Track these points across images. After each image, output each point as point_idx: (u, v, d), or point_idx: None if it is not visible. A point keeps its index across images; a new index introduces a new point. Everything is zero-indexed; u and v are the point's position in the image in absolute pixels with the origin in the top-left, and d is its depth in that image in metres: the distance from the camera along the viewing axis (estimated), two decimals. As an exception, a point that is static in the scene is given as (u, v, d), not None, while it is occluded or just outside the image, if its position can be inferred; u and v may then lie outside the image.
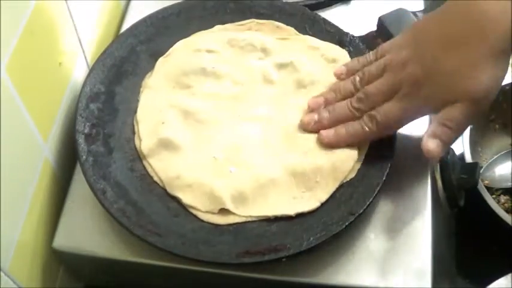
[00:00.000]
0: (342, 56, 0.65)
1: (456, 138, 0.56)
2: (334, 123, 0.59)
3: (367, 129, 0.57)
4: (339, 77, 0.61)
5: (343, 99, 0.59)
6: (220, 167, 0.58)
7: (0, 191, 0.49)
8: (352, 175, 0.58)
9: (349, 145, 0.58)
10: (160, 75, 0.64)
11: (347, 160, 0.58)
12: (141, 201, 0.57)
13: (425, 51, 0.55)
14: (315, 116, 0.59)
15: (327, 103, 0.60)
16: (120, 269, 0.59)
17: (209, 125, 0.61)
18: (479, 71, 0.53)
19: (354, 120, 0.58)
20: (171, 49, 0.66)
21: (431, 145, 0.54)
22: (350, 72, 0.61)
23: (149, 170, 0.59)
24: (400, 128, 0.58)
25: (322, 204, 0.57)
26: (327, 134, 0.58)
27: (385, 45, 0.59)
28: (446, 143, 0.55)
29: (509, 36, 0.52)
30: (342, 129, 0.58)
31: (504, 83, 0.76)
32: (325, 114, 0.59)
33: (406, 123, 0.57)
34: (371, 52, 0.60)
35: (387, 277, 0.55)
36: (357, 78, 0.59)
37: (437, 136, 0.54)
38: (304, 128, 0.60)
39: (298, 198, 0.57)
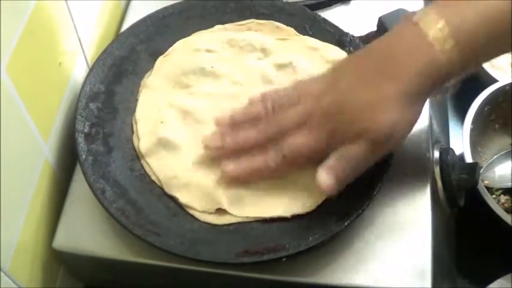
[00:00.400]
0: (341, 56, 0.65)
1: (353, 176, 0.53)
2: (238, 151, 0.56)
3: (273, 164, 0.55)
4: (252, 101, 0.58)
5: (251, 121, 0.57)
6: (217, 167, 0.58)
7: (0, 191, 0.49)
8: None
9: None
10: (160, 75, 0.65)
11: None
12: (141, 200, 0.57)
13: (339, 85, 0.54)
14: (218, 142, 0.57)
15: (234, 123, 0.57)
16: (120, 269, 0.59)
17: (208, 125, 0.61)
18: (384, 112, 0.51)
19: (259, 149, 0.55)
20: (170, 49, 0.66)
21: (324, 179, 0.52)
22: (264, 97, 0.58)
23: (147, 169, 0.59)
24: (309, 163, 0.55)
25: (322, 204, 0.57)
26: (229, 167, 0.55)
27: (305, 81, 0.58)
28: (342, 179, 0.53)
29: (419, 81, 0.51)
30: (245, 164, 0.55)
31: (504, 83, 0.77)
32: (229, 140, 0.56)
33: (316, 158, 0.54)
34: (288, 86, 0.58)
35: (387, 277, 0.55)
36: (269, 104, 0.56)
37: (332, 170, 0.52)
38: (203, 146, 0.57)
39: (294, 200, 0.57)
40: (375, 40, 0.55)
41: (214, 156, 0.57)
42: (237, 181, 0.56)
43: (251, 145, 0.56)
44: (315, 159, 0.54)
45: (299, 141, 0.54)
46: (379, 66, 0.53)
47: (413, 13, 0.52)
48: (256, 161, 0.55)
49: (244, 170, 0.56)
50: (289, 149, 0.54)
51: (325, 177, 0.52)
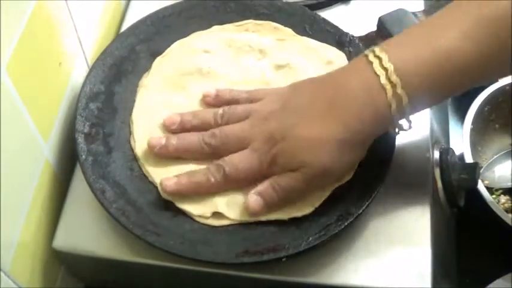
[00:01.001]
0: (338, 57, 0.65)
1: (283, 203, 0.55)
2: (180, 153, 0.57)
3: (212, 180, 0.55)
4: (205, 98, 0.60)
5: (198, 126, 0.58)
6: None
7: (1, 191, 0.49)
8: (348, 178, 0.58)
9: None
10: (157, 75, 0.64)
11: None
12: (141, 200, 0.57)
13: (289, 112, 0.55)
14: (162, 140, 0.57)
15: (182, 125, 0.58)
16: (120, 269, 0.59)
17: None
18: (322, 152, 0.53)
19: (201, 155, 0.57)
20: (168, 49, 0.66)
21: (252, 201, 0.54)
22: (218, 100, 0.60)
23: (144, 170, 0.59)
24: (249, 182, 0.55)
25: (322, 205, 0.56)
26: (168, 182, 0.55)
27: (263, 91, 0.59)
28: (269, 206, 0.54)
29: (363, 127, 0.52)
30: (184, 179, 0.55)
31: (504, 83, 0.77)
32: (173, 141, 0.57)
33: (255, 178, 0.55)
34: (248, 90, 0.60)
35: (387, 277, 0.55)
36: (220, 112, 0.57)
37: (262, 195, 0.54)
38: (150, 149, 0.58)
39: (291, 203, 0.57)
40: (333, 71, 0.56)
41: (157, 155, 0.58)
42: (178, 195, 0.56)
43: (193, 149, 0.57)
44: (256, 180, 0.55)
45: (240, 161, 0.55)
46: (328, 103, 0.53)
47: (370, 50, 0.53)
48: (196, 176, 0.56)
49: (184, 185, 0.56)
50: (230, 167, 0.55)
51: (254, 201, 0.54)
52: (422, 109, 0.55)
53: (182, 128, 0.59)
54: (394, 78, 0.50)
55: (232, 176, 0.55)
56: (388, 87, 0.50)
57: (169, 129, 0.59)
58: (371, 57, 0.52)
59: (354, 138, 0.53)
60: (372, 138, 0.55)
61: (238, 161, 0.55)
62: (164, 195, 0.56)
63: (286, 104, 0.56)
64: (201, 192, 0.56)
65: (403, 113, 0.52)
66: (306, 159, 0.53)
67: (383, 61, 0.51)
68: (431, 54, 0.50)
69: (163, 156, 0.58)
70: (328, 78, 0.56)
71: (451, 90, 0.53)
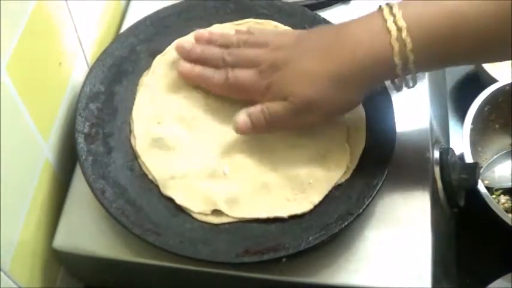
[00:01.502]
0: None
1: (267, 130, 0.58)
2: (198, 60, 0.62)
3: (215, 79, 0.60)
4: (237, 32, 0.64)
5: (224, 45, 0.62)
6: (214, 167, 0.58)
7: (1, 191, 0.49)
8: (347, 176, 0.58)
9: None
10: (157, 74, 0.64)
11: (340, 162, 0.58)
12: (140, 200, 0.57)
13: (297, 46, 0.58)
14: (189, 45, 0.63)
15: (209, 40, 0.63)
16: (120, 269, 0.59)
17: (204, 125, 0.61)
18: (312, 86, 0.55)
19: (216, 67, 0.61)
20: (168, 47, 0.66)
21: (241, 119, 0.57)
22: (248, 32, 0.63)
23: (144, 168, 0.59)
24: (241, 98, 0.60)
25: (322, 204, 0.57)
26: (184, 65, 0.62)
27: (287, 30, 0.65)
28: (255, 127, 0.57)
29: (361, 67, 0.53)
30: (197, 68, 0.61)
31: (504, 83, 0.77)
32: (198, 50, 0.62)
33: (250, 98, 0.58)
34: (276, 30, 0.65)
35: (387, 277, 0.55)
36: (244, 38, 0.61)
37: (250, 116, 0.57)
38: (175, 48, 0.63)
39: (291, 200, 0.57)
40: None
41: (181, 55, 0.63)
42: (186, 79, 0.63)
43: (211, 60, 0.61)
44: (249, 99, 0.58)
45: (242, 75, 0.59)
46: (331, 42, 0.56)
47: (386, 3, 0.54)
48: (206, 71, 0.61)
49: (195, 72, 0.62)
50: (234, 75, 0.59)
51: (243, 118, 0.57)
52: (425, 68, 0.55)
53: (209, 43, 0.63)
54: (401, 22, 0.51)
55: (231, 82, 0.59)
56: (394, 30, 0.51)
57: (198, 41, 0.63)
58: (383, 5, 0.54)
59: (347, 76, 0.54)
60: (370, 83, 0.56)
61: (240, 74, 0.59)
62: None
63: (299, 41, 0.58)
64: (203, 84, 0.62)
65: (406, 63, 0.52)
66: (295, 89, 0.56)
67: (393, 8, 0.52)
68: (440, 7, 0.51)
69: (185, 59, 0.62)
70: (340, 23, 0.58)
71: (455, 50, 0.53)
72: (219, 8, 0.70)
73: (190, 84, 0.63)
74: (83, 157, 0.58)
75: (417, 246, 0.57)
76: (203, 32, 0.64)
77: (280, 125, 0.58)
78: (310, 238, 0.53)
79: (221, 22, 0.69)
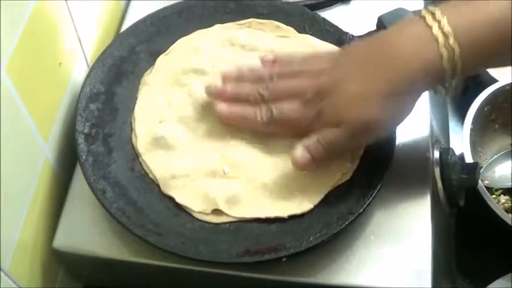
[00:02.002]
0: None
1: (328, 158, 0.55)
2: (234, 98, 0.59)
3: (259, 118, 0.57)
4: (264, 62, 0.61)
5: (255, 80, 0.59)
6: (214, 167, 0.58)
7: (1, 191, 0.49)
8: (348, 177, 0.58)
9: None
10: (160, 73, 0.65)
11: (340, 163, 0.58)
12: (141, 201, 0.57)
13: (339, 68, 0.55)
14: (217, 86, 0.60)
15: (239, 78, 0.60)
16: (120, 269, 0.59)
17: (206, 125, 0.61)
18: (369, 106, 0.53)
19: (253, 105, 0.58)
20: (171, 47, 0.66)
21: (299, 155, 0.55)
22: (276, 62, 0.60)
23: (145, 167, 0.59)
24: (291, 133, 0.57)
25: (322, 204, 0.57)
26: (222, 106, 0.59)
27: (316, 54, 0.60)
28: (315, 160, 0.55)
29: (414, 79, 0.52)
30: (236, 108, 0.58)
31: (504, 83, 0.77)
32: (230, 88, 0.59)
33: (299, 129, 0.56)
34: (302, 54, 0.60)
35: (387, 277, 0.55)
36: (276, 70, 0.59)
37: (308, 149, 0.55)
38: (205, 92, 0.60)
39: (291, 201, 0.57)
40: (382, 30, 0.57)
41: (212, 96, 0.60)
42: (226, 121, 0.59)
43: (247, 96, 0.58)
44: (298, 132, 0.56)
45: (288, 109, 0.56)
46: (378, 57, 0.54)
47: (419, 11, 0.53)
48: (247, 110, 0.58)
49: (235, 113, 0.58)
50: (279, 109, 0.56)
51: (301, 153, 0.55)
52: (472, 71, 0.54)
53: (240, 78, 0.60)
54: (447, 29, 0.50)
55: (277, 119, 0.56)
56: (440, 37, 0.50)
57: (228, 79, 0.60)
58: (423, 12, 0.52)
59: (397, 93, 0.52)
60: (420, 92, 0.54)
61: (286, 108, 0.56)
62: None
63: (338, 62, 0.56)
64: (246, 124, 0.59)
65: (455, 68, 0.51)
66: (350, 113, 0.53)
67: (436, 14, 0.51)
68: (484, 12, 0.51)
69: (217, 98, 0.59)
70: (380, 35, 0.56)
71: (501, 53, 0.52)
72: (219, 8, 0.70)
73: (231, 124, 0.60)
74: (83, 157, 0.58)
75: (417, 246, 0.57)
76: (231, 70, 0.60)
77: (339, 151, 0.56)
78: (311, 238, 0.53)
79: (221, 21, 0.69)
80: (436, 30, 0.50)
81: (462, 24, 0.51)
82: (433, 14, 0.51)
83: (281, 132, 0.58)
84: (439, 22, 0.51)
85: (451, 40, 0.50)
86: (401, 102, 0.53)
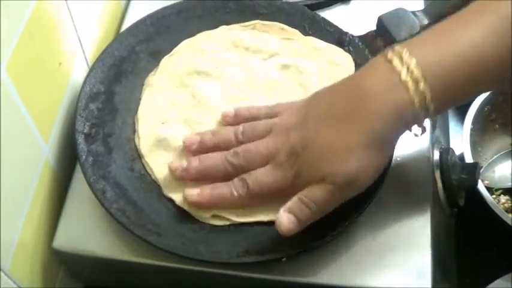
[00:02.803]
0: (344, 58, 0.65)
1: (314, 217, 0.52)
2: (202, 175, 0.56)
3: (235, 194, 0.54)
4: (224, 118, 0.59)
5: (219, 145, 0.57)
6: None
7: (1, 191, 0.49)
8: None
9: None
10: (164, 74, 0.65)
11: None
12: (141, 201, 0.57)
13: (310, 123, 0.53)
14: (184, 164, 0.56)
15: (202, 144, 0.57)
16: (120, 269, 0.59)
17: (209, 128, 0.61)
18: (348, 160, 0.50)
19: (224, 176, 0.55)
20: (175, 48, 0.66)
21: (284, 220, 0.51)
22: (237, 119, 0.58)
23: (147, 168, 0.59)
24: (267, 201, 0.55)
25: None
26: (191, 192, 0.55)
27: (282, 105, 0.58)
28: (302, 221, 0.52)
29: (387, 126, 0.50)
30: (208, 190, 0.55)
31: (504, 83, 0.77)
32: (195, 163, 0.56)
33: (279, 192, 0.54)
34: (267, 106, 0.58)
35: (387, 277, 0.55)
36: (240, 130, 0.56)
37: (293, 212, 0.51)
38: (171, 173, 0.57)
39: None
40: (351, 74, 0.55)
41: (178, 178, 0.57)
42: (201, 206, 0.55)
43: (216, 170, 0.56)
44: (279, 194, 0.53)
45: (264, 177, 0.54)
46: (348, 107, 0.51)
47: (389, 48, 0.51)
48: (220, 188, 0.55)
49: (207, 196, 0.55)
50: (254, 182, 0.54)
51: (286, 219, 0.51)
52: (445, 109, 0.52)
53: (202, 148, 0.57)
54: (416, 73, 0.48)
55: (255, 191, 0.54)
56: (410, 82, 0.48)
57: (190, 149, 0.57)
58: (390, 54, 0.50)
59: (376, 141, 0.51)
60: (396, 138, 0.52)
61: (262, 176, 0.54)
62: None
63: (306, 115, 0.54)
64: (223, 205, 0.55)
65: (427, 111, 0.49)
66: (329, 169, 0.51)
67: (403, 57, 0.49)
68: (454, 49, 0.49)
69: (185, 179, 0.56)
70: (346, 82, 0.54)
71: (473, 88, 0.51)
72: (219, 8, 0.70)
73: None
74: (83, 157, 0.58)
75: (417, 246, 0.57)
76: (191, 137, 0.58)
77: (327, 209, 0.52)
78: (311, 238, 0.53)
79: (221, 22, 0.69)
80: (404, 76, 0.48)
81: (431, 66, 0.49)
82: (400, 57, 0.49)
83: (261, 203, 0.55)
84: (407, 67, 0.48)
85: (421, 86, 0.48)
86: (381, 149, 0.52)
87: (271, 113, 0.57)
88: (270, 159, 0.54)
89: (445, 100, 0.50)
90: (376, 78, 0.51)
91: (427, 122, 0.53)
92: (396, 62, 0.49)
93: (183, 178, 0.57)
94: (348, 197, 0.53)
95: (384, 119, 0.50)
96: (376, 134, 0.50)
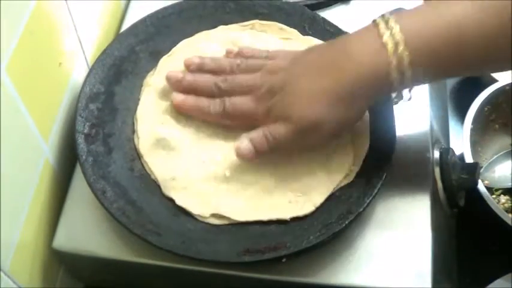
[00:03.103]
0: None
1: (269, 153, 0.56)
2: (191, 89, 0.61)
3: (212, 110, 0.59)
4: (227, 55, 0.63)
5: (214, 70, 0.61)
6: (215, 170, 0.58)
7: (1, 191, 0.49)
8: (350, 179, 0.58)
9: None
10: (163, 74, 0.64)
11: (342, 165, 0.58)
12: (141, 200, 0.57)
13: (295, 69, 0.57)
14: (180, 75, 0.61)
15: (200, 65, 0.62)
16: (120, 269, 0.59)
17: (208, 127, 0.61)
18: (314, 105, 0.54)
19: (209, 95, 0.60)
20: (174, 48, 0.67)
21: (243, 146, 0.56)
22: (238, 54, 0.62)
23: (146, 168, 0.59)
24: (240, 124, 0.59)
25: (322, 204, 0.57)
26: (177, 96, 0.60)
27: (282, 51, 0.62)
28: (258, 152, 0.56)
29: (361, 83, 0.52)
30: (191, 98, 0.60)
31: (504, 83, 0.77)
32: (189, 78, 0.61)
33: (250, 124, 0.57)
34: (268, 50, 0.62)
35: (387, 277, 0.55)
36: (237, 62, 0.61)
37: (253, 141, 0.56)
38: (167, 81, 0.62)
39: (293, 203, 0.57)
40: (344, 35, 0.58)
41: (172, 87, 0.62)
42: (179, 110, 0.61)
43: (204, 88, 0.60)
44: (249, 126, 0.57)
45: (240, 103, 0.58)
46: (332, 62, 0.54)
47: (381, 15, 0.53)
48: (201, 102, 0.60)
49: (189, 104, 0.60)
50: (231, 103, 0.58)
51: (246, 146, 0.56)
52: (423, 81, 0.54)
53: (199, 69, 0.62)
54: (397, 36, 0.50)
55: (229, 112, 0.58)
56: (390, 45, 0.50)
57: (188, 68, 0.62)
58: (378, 20, 0.53)
59: (348, 95, 0.53)
60: (369, 99, 0.55)
61: (238, 102, 0.58)
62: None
63: (295, 62, 0.57)
64: (199, 116, 0.60)
65: (404, 77, 0.51)
66: (297, 110, 0.54)
67: (389, 23, 0.51)
68: (439, 20, 0.51)
69: (177, 90, 0.61)
70: (337, 41, 0.57)
71: (454, 65, 0.52)
72: (219, 8, 0.70)
73: (185, 115, 0.62)
74: (83, 157, 0.58)
75: (417, 246, 0.57)
76: (192, 58, 0.62)
77: (284, 147, 0.56)
78: (311, 237, 0.53)
79: (221, 22, 0.69)
80: (386, 37, 0.51)
81: (413, 32, 0.51)
82: (386, 22, 0.52)
83: (233, 125, 0.59)
84: (391, 30, 0.51)
85: (401, 48, 0.50)
86: (347, 105, 0.54)
87: (270, 56, 0.61)
88: (252, 92, 0.58)
89: (423, 69, 0.52)
90: (361, 40, 0.54)
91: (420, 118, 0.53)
92: (382, 26, 0.52)
93: (176, 88, 0.61)
94: (307, 143, 0.56)
95: (360, 76, 0.52)
96: (346, 87, 0.53)
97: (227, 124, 0.60)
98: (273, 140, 0.55)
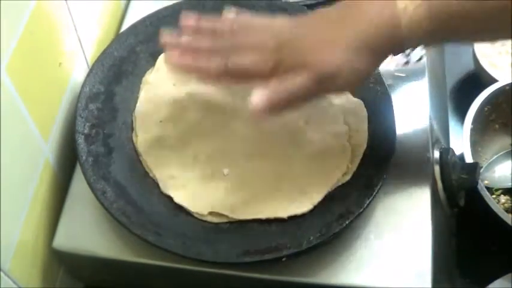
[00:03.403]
0: None
1: (286, 105, 0.52)
2: (190, 47, 0.56)
3: (212, 68, 0.53)
4: (226, 18, 0.58)
5: (214, 32, 0.56)
6: (214, 168, 0.58)
7: (1, 191, 0.49)
8: (347, 178, 0.58)
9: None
10: (161, 72, 0.65)
11: (340, 163, 0.58)
12: (141, 200, 0.57)
13: (303, 24, 0.54)
14: (174, 37, 0.57)
15: (198, 28, 0.57)
16: (120, 269, 0.59)
17: (207, 126, 0.61)
18: (332, 53, 0.51)
19: (207, 58, 0.55)
20: None
21: (256, 98, 0.51)
22: (236, 19, 0.57)
23: (145, 166, 0.59)
24: (244, 84, 0.54)
25: (322, 204, 0.57)
26: (173, 53, 0.56)
27: (282, 18, 0.57)
28: (275, 104, 0.51)
29: (376, 33, 0.51)
30: (189, 57, 0.55)
31: (504, 83, 0.77)
32: (185, 40, 0.56)
33: (252, 83, 0.52)
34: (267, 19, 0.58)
35: (387, 277, 0.55)
36: (236, 26, 0.56)
37: (268, 92, 0.51)
38: (163, 45, 0.57)
39: (291, 201, 0.57)
40: None
41: (170, 47, 0.57)
42: (176, 69, 0.56)
43: (205, 48, 0.55)
44: (255, 83, 0.52)
45: (244, 58, 0.53)
46: (344, 13, 0.53)
47: None
48: (201, 60, 0.54)
49: (186, 62, 0.55)
50: (234, 61, 0.53)
51: (259, 97, 0.51)
52: (431, 42, 0.53)
53: (197, 27, 0.57)
54: None
55: (231, 68, 0.53)
56: (402, 2, 0.50)
57: (185, 25, 0.57)
58: None
59: (364, 45, 0.51)
60: (384, 48, 0.53)
61: (242, 57, 0.53)
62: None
63: (302, 20, 0.55)
64: (198, 74, 0.55)
65: (420, 27, 0.50)
66: (314, 57, 0.51)
67: None
68: None
69: (175, 50, 0.56)
70: (346, 1, 0.55)
71: (461, 27, 0.52)
72: (219, 8, 0.69)
73: (185, 76, 0.59)
74: (83, 158, 0.58)
75: (417, 246, 0.57)
76: (188, 16, 0.58)
77: (302, 98, 0.52)
78: (311, 238, 0.53)
79: (221, 22, 0.69)
80: None
81: None
82: None
83: (235, 84, 0.55)
84: None
85: (415, 4, 0.49)
86: (367, 55, 0.52)
87: (273, 20, 0.57)
88: (257, 49, 0.53)
89: (433, 28, 0.50)
90: None
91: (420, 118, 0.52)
92: None
93: (171, 46, 0.56)
94: (323, 92, 0.54)
95: (376, 27, 0.51)
96: (367, 38, 0.51)
97: (225, 84, 0.55)
98: (289, 89, 0.51)
